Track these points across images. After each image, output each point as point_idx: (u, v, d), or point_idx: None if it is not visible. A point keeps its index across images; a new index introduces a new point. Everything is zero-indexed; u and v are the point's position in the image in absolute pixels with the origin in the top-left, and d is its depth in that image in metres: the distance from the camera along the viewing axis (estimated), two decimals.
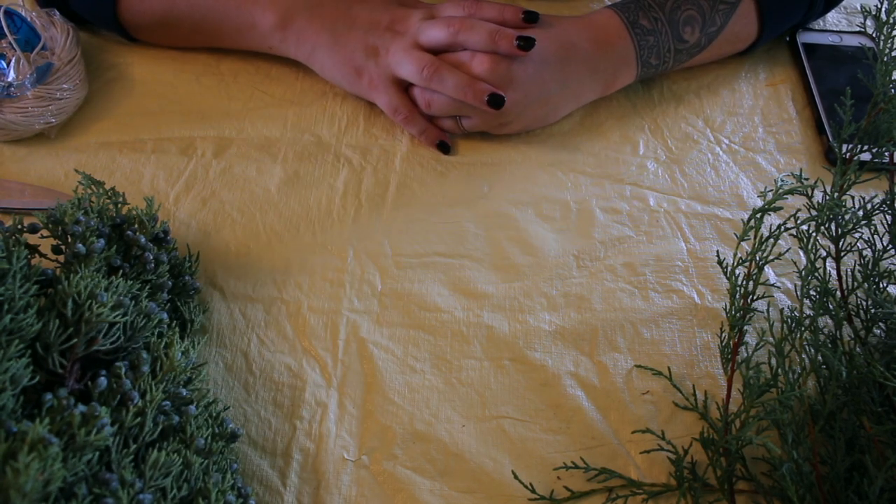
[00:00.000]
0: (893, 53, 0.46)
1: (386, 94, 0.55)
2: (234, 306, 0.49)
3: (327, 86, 0.60)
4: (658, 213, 0.55)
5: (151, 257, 0.44)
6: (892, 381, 0.39)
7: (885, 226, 0.48)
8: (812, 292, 0.44)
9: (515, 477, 0.43)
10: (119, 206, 0.46)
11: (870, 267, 0.46)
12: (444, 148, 0.56)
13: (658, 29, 0.56)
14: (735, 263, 0.43)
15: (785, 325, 0.43)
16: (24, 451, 0.30)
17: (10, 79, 0.52)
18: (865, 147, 0.47)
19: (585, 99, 0.58)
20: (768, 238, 0.42)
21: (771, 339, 0.41)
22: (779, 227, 0.42)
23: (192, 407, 0.39)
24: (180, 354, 0.40)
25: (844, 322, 0.45)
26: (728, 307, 0.43)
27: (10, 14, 0.54)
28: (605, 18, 0.56)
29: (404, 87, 0.55)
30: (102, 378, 0.37)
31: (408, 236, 0.52)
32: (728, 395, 0.43)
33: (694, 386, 0.46)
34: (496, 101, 0.52)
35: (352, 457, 0.44)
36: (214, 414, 0.41)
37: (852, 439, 0.41)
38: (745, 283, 0.42)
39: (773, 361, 0.41)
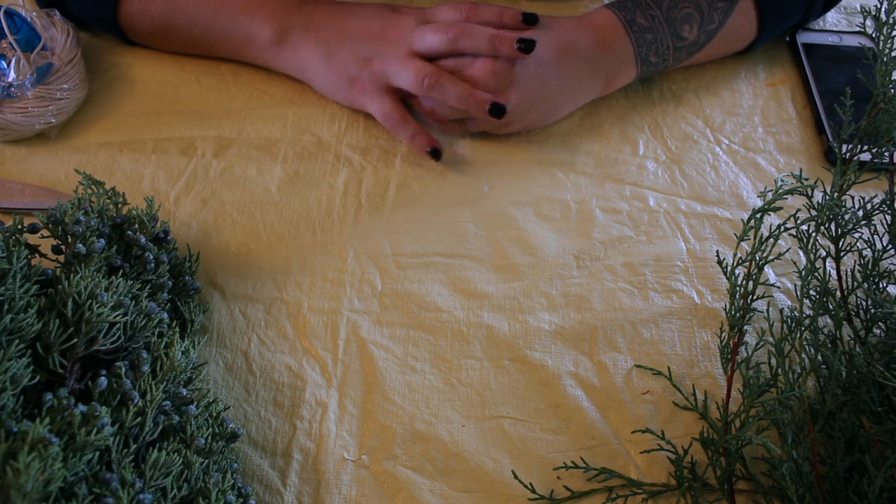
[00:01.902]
0: (893, 53, 0.46)
1: (379, 101, 0.55)
2: (235, 306, 0.49)
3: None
4: (658, 213, 0.55)
5: (152, 257, 0.44)
6: (892, 380, 0.39)
7: (885, 226, 0.48)
8: (812, 292, 0.44)
9: (515, 477, 0.43)
10: (119, 206, 0.46)
11: (870, 267, 0.46)
12: (436, 154, 0.55)
13: (656, 27, 0.56)
14: (735, 263, 0.43)
15: (785, 324, 0.43)
16: (24, 451, 0.30)
17: (10, 79, 0.52)
18: (865, 147, 0.47)
19: (585, 98, 0.58)
20: (768, 238, 0.42)
21: (771, 338, 0.41)
22: (779, 227, 0.42)
23: (193, 407, 0.39)
24: (180, 354, 0.40)
25: (844, 322, 0.45)
26: (728, 307, 0.43)
27: (10, 14, 0.54)
28: (603, 17, 0.56)
29: (396, 94, 0.55)
30: (103, 378, 0.37)
31: (408, 236, 0.53)
32: (728, 395, 0.43)
33: (694, 386, 0.46)
34: (497, 111, 0.52)
35: (352, 456, 0.44)
36: (215, 414, 0.41)
37: (852, 439, 0.41)
38: (744, 283, 0.43)
39: (773, 361, 0.41)
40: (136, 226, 0.44)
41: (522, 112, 0.54)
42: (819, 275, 0.44)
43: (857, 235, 0.47)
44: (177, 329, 0.42)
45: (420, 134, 0.55)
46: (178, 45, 0.60)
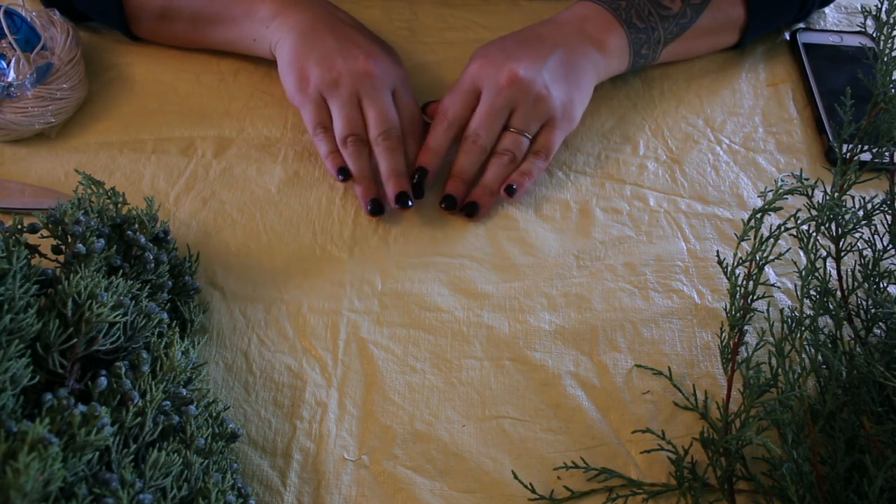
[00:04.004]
0: (894, 53, 0.46)
1: (314, 107, 0.53)
2: (235, 306, 0.49)
3: None
4: (658, 212, 0.55)
5: (151, 257, 0.44)
6: (892, 381, 0.39)
7: (886, 226, 0.48)
8: (812, 292, 0.44)
9: (515, 477, 0.43)
10: (119, 206, 0.46)
11: (870, 267, 0.46)
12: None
13: None
14: (735, 263, 0.43)
15: (785, 325, 0.42)
16: (24, 451, 0.30)
17: (10, 79, 0.52)
18: (865, 147, 0.47)
19: (588, 65, 0.56)
20: (768, 238, 0.42)
21: (771, 339, 0.41)
22: (779, 227, 0.42)
23: (193, 407, 0.39)
24: (180, 354, 0.40)
25: (844, 322, 0.45)
26: (728, 307, 0.43)
27: (10, 14, 0.54)
28: (576, 4, 0.58)
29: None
30: (102, 378, 0.37)
31: (408, 236, 0.52)
32: (728, 395, 0.43)
33: (694, 386, 0.46)
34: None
35: (352, 456, 0.44)
36: (214, 414, 0.41)
37: (852, 439, 0.41)
38: (745, 283, 0.42)
39: (773, 361, 0.41)
40: (136, 226, 0.44)
41: (566, 108, 0.54)
42: (819, 275, 0.43)
43: (857, 235, 0.47)
44: (177, 329, 0.42)
45: (335, 153, 0.53)
46: (177, 27, 0.59)
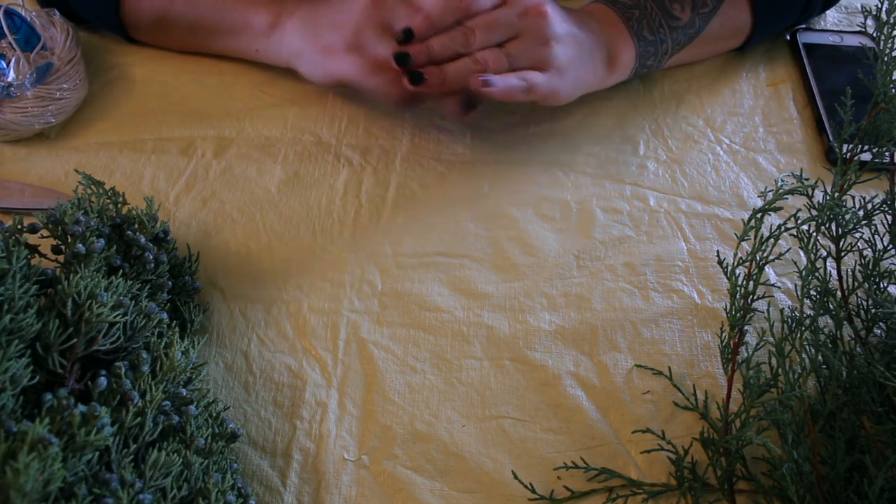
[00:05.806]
0: (894, 53, 0.46)
1: (350, 60, 0.51)
2: (234, 306, 0.49)
3: (328, 86, 0.60)
4: (658, 212, 0.55)
5: (151, 257, 0.44)
6: (893, 381, 0.39)
7: (886, 226, 0.47)
8: (812, 292, 0.44)
9: (515, 477, 0.43)
10: (119, 206, 0.46)
11: (870, 267, 0.46)
12: (417, 77, 0.49)
13: (641, 3, 0.55)
14: (735, 263, 0.43)
15: (785, 325, 0.42)
16: (24, 451, 0.30)
17: (9, 79, 0.52)
18: (866, 147, 0.47)
19: (596, 74, 0.55)
20: (768, 238, 0.42)
21: (771, 339, 0.41)
22: (779, 227, 0.42)
23: (192, 407, 0.39)
24: (180, 354, 0.40)
25: (845, 322, 0.45)
26: (728, 307, 0.43)
27: (9, 14, 0.54)
28: (588, 4, 0.57)
29: (370, 53, 0.52)
30: (102, 378, 0.37)
31: (408, 236, 0.52)
32: (728, 395, 0.43)
33: (694, 386, 0.46)
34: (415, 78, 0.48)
35: (352, 457, 0.44)
36: (214, 414, 0.41)
37: (852, 439, 0.41)
38: (745, 283, 0.42)
39: (774, 361, 0.41)
40: (136, 226, 0.44)
41: (565, 66, 0.51)
42: (819, 275, 0.43)
43: (857, 235, 0.47)
44: (176, 329, 0.42)
45: (395, 83, 0.50)
46: (175, 35, 0.59)
